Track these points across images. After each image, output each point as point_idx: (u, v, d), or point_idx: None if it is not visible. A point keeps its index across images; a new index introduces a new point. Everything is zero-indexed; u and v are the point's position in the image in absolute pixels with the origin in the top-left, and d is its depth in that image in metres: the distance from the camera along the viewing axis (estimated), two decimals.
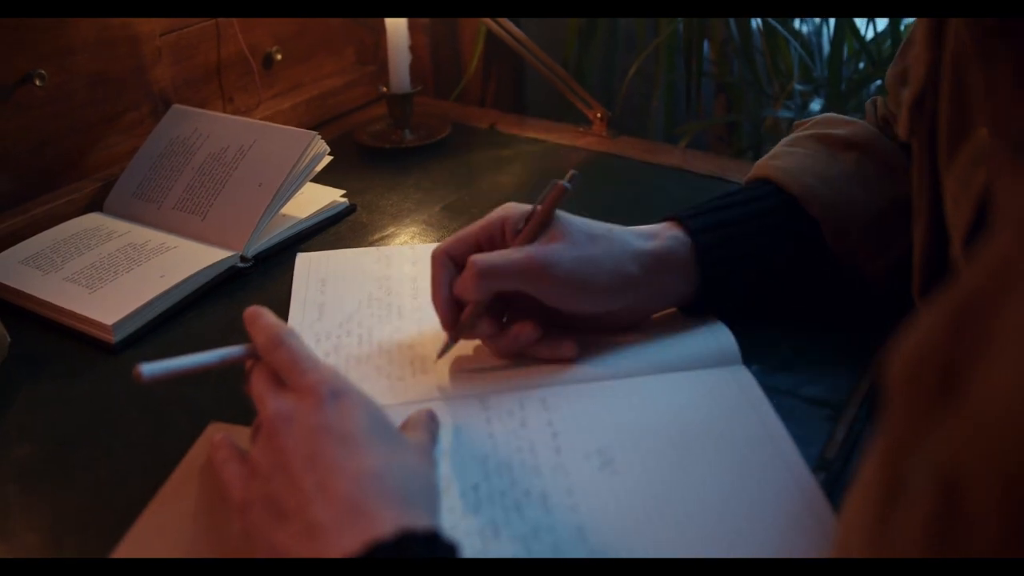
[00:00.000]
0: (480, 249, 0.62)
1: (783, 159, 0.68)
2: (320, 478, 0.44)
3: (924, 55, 0.49)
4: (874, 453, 0.30)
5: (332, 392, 0.48)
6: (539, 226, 0.61)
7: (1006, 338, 0.25)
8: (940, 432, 0.26)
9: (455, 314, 0.62)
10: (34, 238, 0.81)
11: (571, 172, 0.62)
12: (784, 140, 0.72)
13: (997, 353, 0.25)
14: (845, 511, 0.34)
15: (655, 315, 0.67)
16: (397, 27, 1.03)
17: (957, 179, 0.48)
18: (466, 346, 0.65)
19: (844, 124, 0.69)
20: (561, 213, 0.62)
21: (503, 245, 0.62)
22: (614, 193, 0.92)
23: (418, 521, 0.42)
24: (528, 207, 0.63)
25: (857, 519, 0.30)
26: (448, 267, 0.62)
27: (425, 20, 1.22)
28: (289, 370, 0.50)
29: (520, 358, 0.63)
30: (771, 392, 0.60)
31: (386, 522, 0.42)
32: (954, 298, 0.28)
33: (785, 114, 1.27)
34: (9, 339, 0.68)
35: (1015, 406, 0.23)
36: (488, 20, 1.11)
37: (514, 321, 0.62)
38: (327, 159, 0.86)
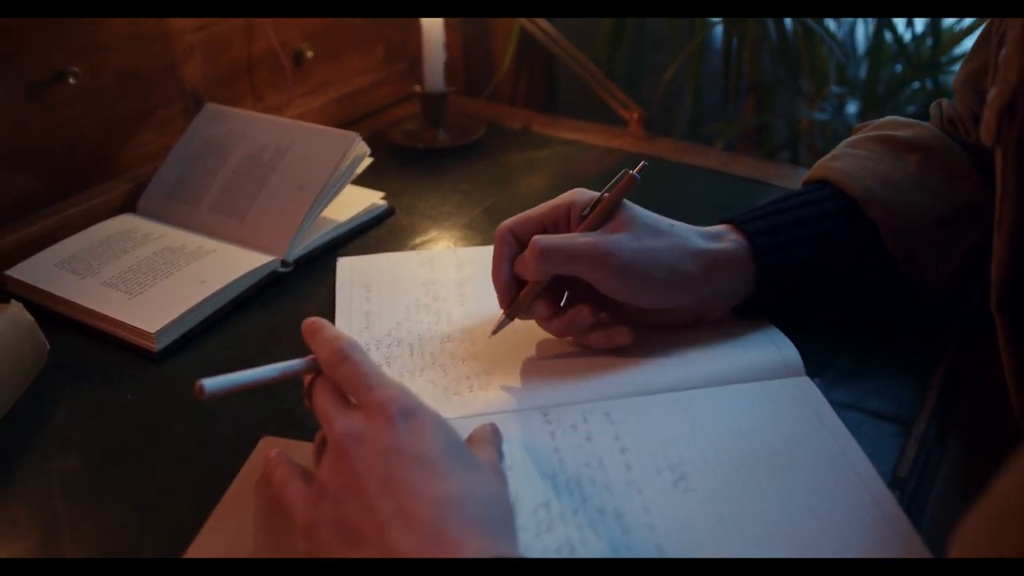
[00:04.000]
0: (544, 230, 0.63)
1: (844, 160, 0.67)
2: (398, 503, 0.42)
3: (1017, 58, 0.47)
4: (1019, 482, 0.29)
5: (403, 411, 0.45)
6: (605, 214, 0.61)
7: None
8: None
9: (514, 292, 0.63)
10: (68, 240, 0.78)
11: (642, 163, 0.62)
12: (845, 141, 0.70)
13: None
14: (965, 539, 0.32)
15: (715, 323, 0.65)
16: (433, 26, 1.00)
17: None
18: (523, 357, 0.64)
19: (908, 127, 0.68)
20: (628, 203, 0.62)
21: (567, 229, 0.63)
22: (654, 197, 0.89)
23: (502, 548, 0.41)
24: (595, 194, 0.62)
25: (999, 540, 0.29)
26: (511, 244, 0.63)
27: (458, 18, 1.20)
28: (356, 386, 0.48)
29: (577, 350, 0.63)
30: (834, 405, 0.58)
31: (470, 550, 0.40)
32: None
33: (820, 116, 1.25)
34: (48, 346, 0.66)
35: None
36: (522, 18, 1.09)
37: (570, 305, 0.62)
38: (367, 161, 0.84)
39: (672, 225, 0.62)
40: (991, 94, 0.50)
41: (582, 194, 0.63)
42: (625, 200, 0.62)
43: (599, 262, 0.59)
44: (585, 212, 0.62)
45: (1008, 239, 0.51)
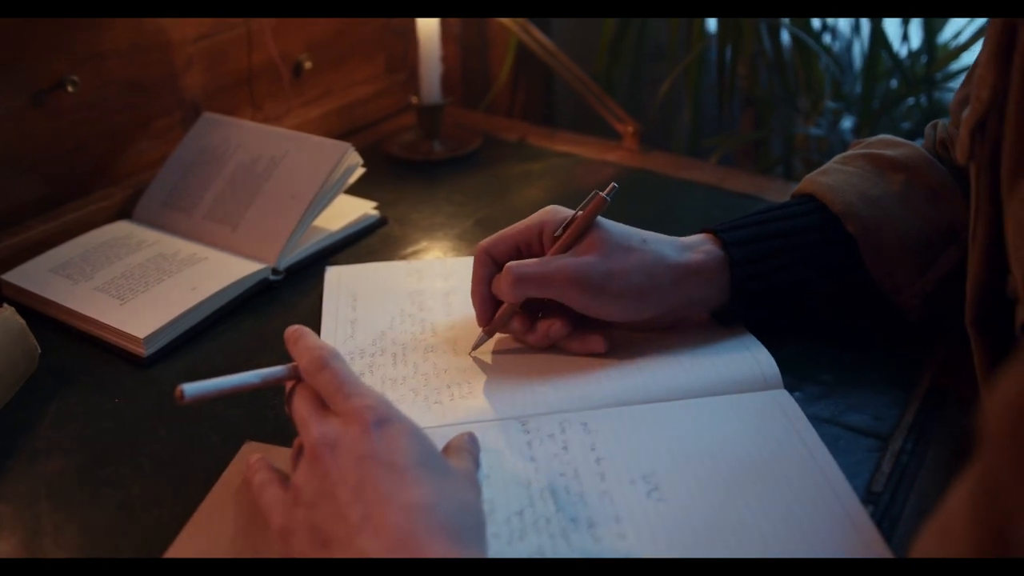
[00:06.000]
0: (519, 250, 0.65)
1: (831, 176, 0.68)
2: (368, 509, 0.43)
3: (989, 77, 0.48)
4: (963, 499, 0.29)
5: (378, 420, 0.46)
6: (576, 236, 0.63)
7: None
8: None
9: (491, 311, 0.65)
10: (63, 246, 0.80)
11: (612, 185, 0.63)
12: (837, 157, 0.72)
13: None
14: (919, 552, 0.33)
15: (695, 333, 0.66)
16: (429, 37, 1.02)
17: (1021, 205, 0.46)
18: (504, 367, 0.65)
19: (898, 146, 0.69)
20: (600, 221, 0.63)
21: (540, 248, 0.65)
22: (648, 211, 0.91)
23: (469, 556, 0.41)
24: (568, 212, 0.64)
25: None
26: (488, 265, 0.65)
27: (456, 30, 1.21)
28: (334, 394, 0.49)
29: (557, 361, 0.65)
30: (812, 420, 0.59)
31: (437, 556, 0.40)
32: None
33: (816, 131, 1.25)
34: (39, 349, 0.67)
35: None
36: (519, 31, 1.10)
37: (546, 317, 0.65)
38: (360, 171, 0.85)
39: (644, 240, 0.63)
40: (966, 112, 0.51)
41: (555, 213, 0.64)
42: (598, 218, 0.63)
43: (569, 287, 0.61)
44: (557, 233, 0.63)
45: (981, 257, 0.52)
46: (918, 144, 0.69)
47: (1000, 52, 0.46)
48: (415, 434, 0.47)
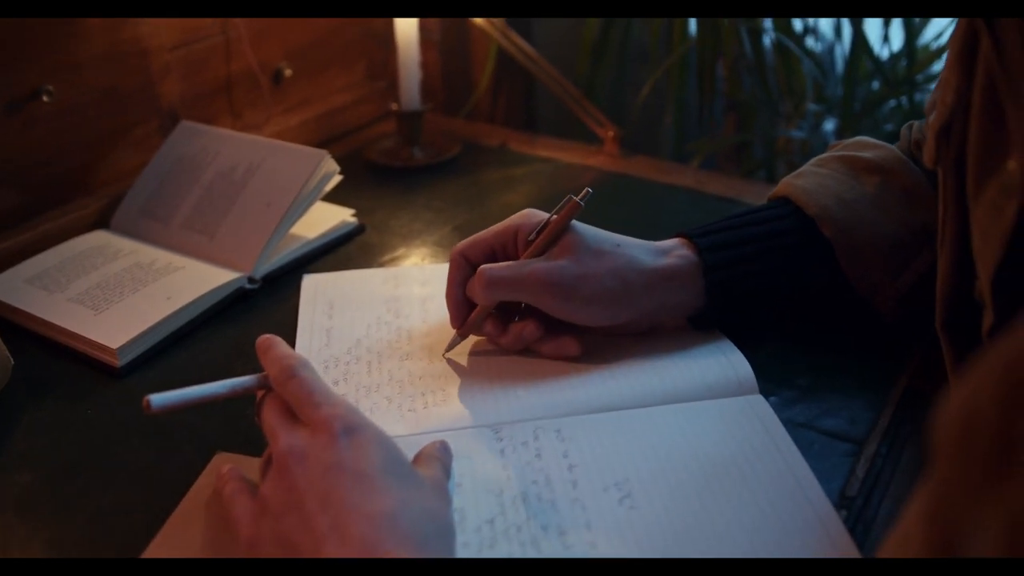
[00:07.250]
0: (494, 253, 0.65)
1: (806, 179, 0.68)
2: (334, 518, 0.42)
3: (953, 81, 0.48)
4: (917, 510, 0.29)
5: (346, 428, 0.46)
6: (549, 241, 0.63)
7: None
8: (1006, 495, 0.25)
9: (464, 313, 0.65)
10: (39, 256, 0.79)
11: (586, 190, 0.63)
12: (813, 159, 0.72)
13: None
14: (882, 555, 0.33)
15: (671, 338, 0.66)
16: (408, 43, 1.02)
17: (986, 210, 0.46)
18: (479, 374, 0.65)
19: (873, 148, 0.69)
20: (575, 224, 0.63)
21: (515, 251, 0.65)
22: (627, 215, 0.91)
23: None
24: (543, 216, 0.64)
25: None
26: (463, 267, 0.65)
27: (436, 36, 1.21)
28: (302, 403, 0.48)
29: (532, 367, 0.65)
30: (788, 424, 0.59)
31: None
32: (1005, 356, 0.26)
33: (797, 134, 1.26)
34: (12, 361, 0.67)
35: None
36: (499, 36, 1.10)
37: (520, 320, 0.65)
38: (337, 178, 0.85)
39: (618, 245, 0.63)
40: (932, 116, 0.51)
41: (530, 217, 0.64)
42: (573, 222, 0.63)
43: (542, 291, 0.61)
44: (531, 237, 0.63)
45: (949, 260, 0.52)
46: (895, 146, 0.70)
47: (964, 56, 0.47)
48: (383, 442, 0.47)
